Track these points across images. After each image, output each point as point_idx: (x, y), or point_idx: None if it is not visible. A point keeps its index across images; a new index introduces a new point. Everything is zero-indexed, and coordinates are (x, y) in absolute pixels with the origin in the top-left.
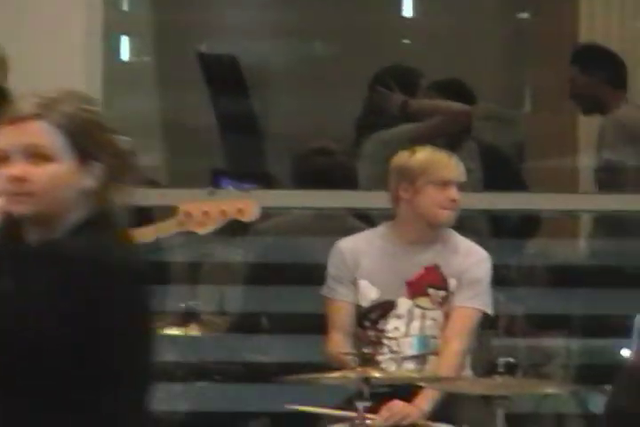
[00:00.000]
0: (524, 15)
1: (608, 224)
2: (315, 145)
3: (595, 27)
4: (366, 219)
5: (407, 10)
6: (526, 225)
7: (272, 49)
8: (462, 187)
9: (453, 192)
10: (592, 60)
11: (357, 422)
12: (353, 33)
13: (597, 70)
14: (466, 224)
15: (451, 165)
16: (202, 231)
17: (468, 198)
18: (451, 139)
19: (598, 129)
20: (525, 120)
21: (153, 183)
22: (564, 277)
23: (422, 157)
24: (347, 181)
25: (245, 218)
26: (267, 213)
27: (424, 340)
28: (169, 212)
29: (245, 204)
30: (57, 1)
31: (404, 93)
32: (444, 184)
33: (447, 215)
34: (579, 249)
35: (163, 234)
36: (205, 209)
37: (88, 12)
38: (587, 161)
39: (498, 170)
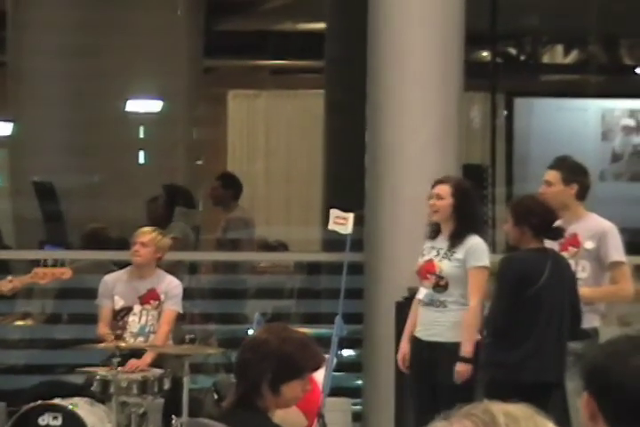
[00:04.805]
0: None
1: None
2: (92, 226)
3: None
4: (124, 265)
5: None
6: None
7: None
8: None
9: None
10: None
11: (113, 370)
12: None
13: None
14: None
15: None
16: (42, 282)
17: None
18: None
19: None
20: None
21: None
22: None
23: None
24: (112, 245)
25: (65, 278)
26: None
27: (144, 328)
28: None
29: (64, 271)
30: None
31: None
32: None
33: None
34: None
35: (19, 285)
36: (45, 271)
37: None
38: None
39: None
